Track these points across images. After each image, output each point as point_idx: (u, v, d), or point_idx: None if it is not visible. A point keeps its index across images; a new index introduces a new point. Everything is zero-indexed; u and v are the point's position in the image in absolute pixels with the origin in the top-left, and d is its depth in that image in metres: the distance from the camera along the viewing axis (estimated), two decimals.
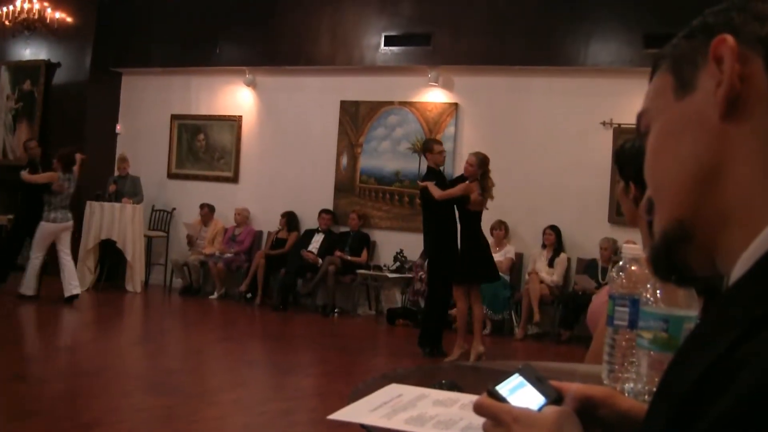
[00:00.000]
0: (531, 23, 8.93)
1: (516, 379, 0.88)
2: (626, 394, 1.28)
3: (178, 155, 11.15)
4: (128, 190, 10.25)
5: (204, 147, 11.01)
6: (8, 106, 11.55)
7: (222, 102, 10.88)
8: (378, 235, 9.92)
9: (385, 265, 9.66)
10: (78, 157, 8.93)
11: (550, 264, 8.83)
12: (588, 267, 8.62)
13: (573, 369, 1.88)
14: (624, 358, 1.38)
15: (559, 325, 8.53)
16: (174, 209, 11.05)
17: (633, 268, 1.41)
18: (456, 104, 9.55)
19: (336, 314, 9.49)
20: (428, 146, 7.42)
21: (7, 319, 8.11)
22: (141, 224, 10.30)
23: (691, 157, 0.68)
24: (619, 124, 8.58)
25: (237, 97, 10.78)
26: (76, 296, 8.77)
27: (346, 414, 1.09)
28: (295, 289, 9.94)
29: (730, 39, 0.65)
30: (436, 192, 6.94)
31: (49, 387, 5.45)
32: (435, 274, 7.20)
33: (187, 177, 11.05)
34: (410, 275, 9.28)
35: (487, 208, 7.22)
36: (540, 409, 0.85)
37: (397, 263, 9.51)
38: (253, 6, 10.26)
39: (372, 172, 9.96)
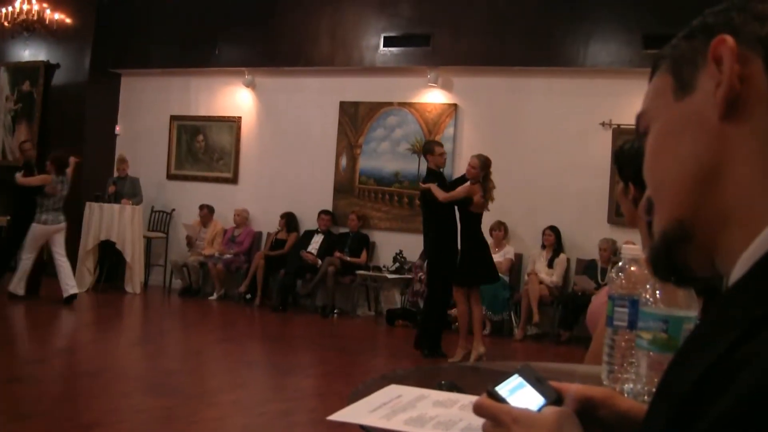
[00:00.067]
0: (530, 24, 8.93)
1: (515, 379, 0.88)
2: (626, 395, 1.28)
3: (177, 156, 11.15)
4: (127, 191, 10.24)
5: (203, 148, 11.01)
6: (7, 107, 11.55)
7: (221, 103, 10.88)
8: (377, 236, 9.92)
9: (384, 266, 9.67)
10: (72, 160, 8.95)
11: (550, 265, 8.83)
12: (587, 268, 8.63)
13: (572, 370, 1.88)
14: (623, 359, 1.38)
15: (559, 326, 8.53)
16: (173, 210, 11.05)
17: (632, 268, 1.41)
18: (455, 105, 9.55)
19: (335, 315, 9.49)
20: (429, 148, 7.42)
21: (6, 320, 8.12)
22: (140, 225, 10.30)
23: (690, 158, 0.68)
24: (619, 125, 8.59)
25: (236, 97, 10.78)
26: (74, 296, 8.80)
27: (345, 415, 1.09)
28: (295, 290, 9.94)
29: (729, 39, 0.65)
30: (440, 194, 6.96)
31: (48, 388, 5.45)
32: (435, 274, 7.20)
33: (186, 178, 11.05)
34: (410, 276, 9.28)
35: (488, 210, 7.24)
36: (539, 410, 0.85)
37: (397, 264, 9.51)
38: (253, 7, 10.26)
39: (371, 173, 9.96)
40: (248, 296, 9.98)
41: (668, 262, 0.71)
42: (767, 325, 0.53)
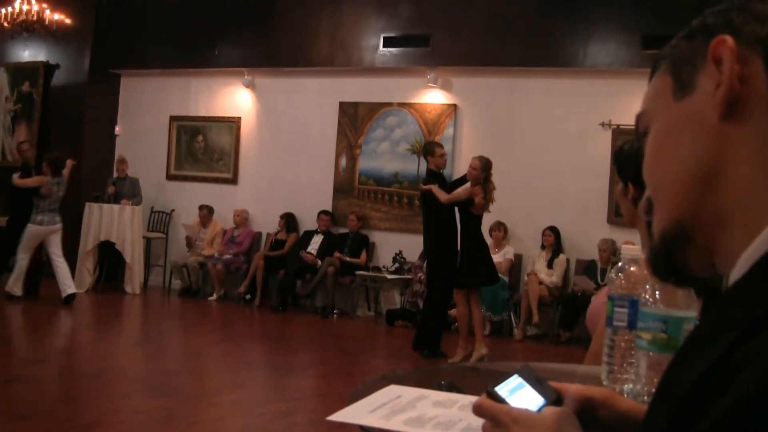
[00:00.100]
0: (530, 24, 8.93)
1: (515, 380, 0.88)
2: (625, 395, 1.28)
3: (177, 156, 11.15)
4: (127, 191, 10.24)
5: (203, 148, 11.01)
6: (7, 108, 11.55)
7: (221, 103, 10.88)
8: (377, 237, 9.92)
9: (384, 267, 9.66)
10: (69, 162, 8.97)
11: (549, 265, 8.83)
12: (587, 268, 8.62)
13: (572, 370, 1.88)
14: (623, 359, 1.38)
15: (559, 326, 8.53)
16: (173, 210, 11.04)
17: (632, 269, 1.41)
18: (455, 105, 9.55)
19: (335, 315, 9.49)
20: (430, 149, 7.43)
21: (6, 320, 8.12)
22: (140, 226, 10.29)
23: (690, 158, 0.68)
24: (618, 125, 8.59)
25: (236, 98, 10.78)
26: (73, 296, 8.81)
27: (345, 415, 1.09)
28: (294, 291, 9.94)
29: (729, 40, 0.65)
30: (442, 196, 6.98)
31: (48, 388, 5.45)
32: (435, 274, 7.20)
33: (186, 178, 11.05)
34: (409, 276, 9.28)
35: (489, 212, 7.26)
36: (539, 410, 0.85)
37: (396, 264, 9.51)
38: (252, 7, 10.26)
39: (371, 174, 9.96)
40: (248, 297, 9.98)
41: (668, 262, 0.71)
42: (767, 325, 0.53)
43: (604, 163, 8.52)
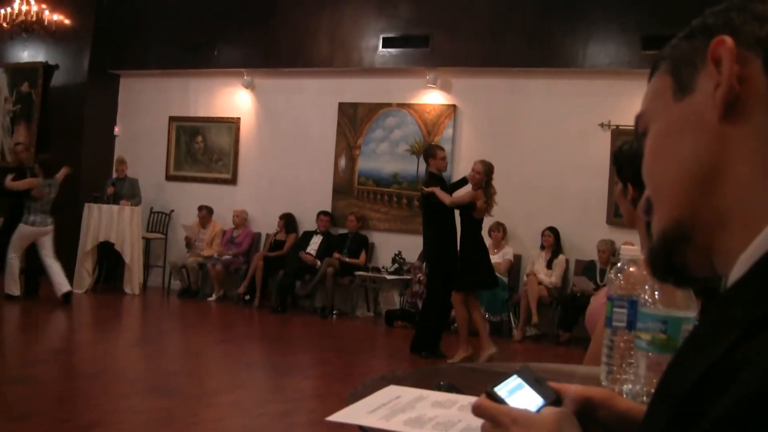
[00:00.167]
0: (529, 25, 8.93)
1: (514, 380, 0.88)
2: (624, 396, 1.28)
3: (176, 157, 11.15)
4: (126, 192, 10.24)
5: (202, 149, 11.01)
6: (6, 109, 11.54)
7: (220, 104, 10.88)
8: (376, 237, 9.92)
9: (383, 267, 9.66)
10: (64, 170, 9.01)
11: (549, 265, 8.84)
12: (586, 268, 8.63)
13: (572, 370, 1.88)
14: (622, 360, 1.38)
15: (558, 327, 8.53)
16: (172, 211, 11.04)
17: (631, 269, 1.41)
18: (454, 106, 9.55)
19: (334, 316, 9.49)
20: (431, 152, 7.43)
21: (5, 321, 8.12)
22: (139, 226, 10.29)
23: (690, 158, 0.68)
24: (618, 126, 8.59)
25: (235, 98, 10.78)
26: (70, 293, 8.81)
27: (344, 415, 1.09)
28: (294, 291, 9.94)
29: (728, 40, 0.65)
30: (446, 198, 7.01)
31: (48, 388, 5.44)
32: (435, 275, 7.20)
33: (185, 179, 11.05)
34: (408, 277, 9.28)
35: (490, 215, 7.28)
36: (538, 411, 0.85)
37: (396, 265, 9.51)
38: (252, 8, 10.26)
39: (370, 174, 9.96)
40: (247, 297, 9.97)
41: (667, 262, 0.71)
42: (767, 325, 0.53)
43: (604, 164, 8.53)
